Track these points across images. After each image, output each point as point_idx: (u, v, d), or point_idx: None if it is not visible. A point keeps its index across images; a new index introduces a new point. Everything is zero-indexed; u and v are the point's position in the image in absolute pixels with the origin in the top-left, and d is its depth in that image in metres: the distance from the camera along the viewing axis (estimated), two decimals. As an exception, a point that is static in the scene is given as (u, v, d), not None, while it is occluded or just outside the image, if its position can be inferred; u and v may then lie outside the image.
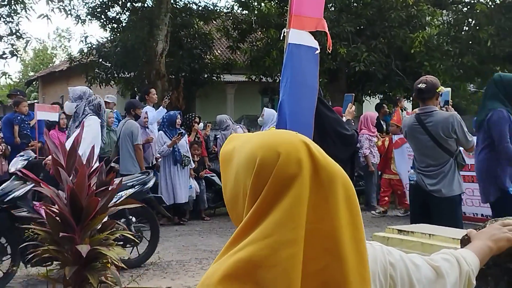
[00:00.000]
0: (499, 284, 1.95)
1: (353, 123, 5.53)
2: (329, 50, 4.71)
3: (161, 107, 10.17)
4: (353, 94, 6.31)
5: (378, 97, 17.46)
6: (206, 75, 17.86)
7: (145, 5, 16.21)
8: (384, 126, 12.64)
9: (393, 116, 11.53)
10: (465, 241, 1.99)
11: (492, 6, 15.37)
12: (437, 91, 5.14)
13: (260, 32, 16.54)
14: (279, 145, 1.15)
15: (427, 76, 5.34)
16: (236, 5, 16.21)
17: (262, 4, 14.83)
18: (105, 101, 10.51)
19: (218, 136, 11.21)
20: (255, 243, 1.08)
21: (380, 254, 1.41)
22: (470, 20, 15.54)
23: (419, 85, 5.11)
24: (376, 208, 11.08)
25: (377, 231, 4.94)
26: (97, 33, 66.17)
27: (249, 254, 1.08)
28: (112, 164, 8.36)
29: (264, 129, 9.14)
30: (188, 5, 17.31)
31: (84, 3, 16.48)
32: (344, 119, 5.34)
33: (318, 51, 4.58)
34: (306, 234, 1.10)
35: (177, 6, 16.91)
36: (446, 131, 5.04)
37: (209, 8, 17.23)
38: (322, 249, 1.11)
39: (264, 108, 10.29)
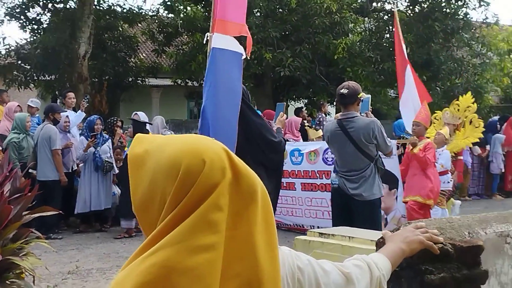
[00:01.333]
0: (412, 285, 2.00)
1: (282, 131, 5.57)
2: (248, 56, 4.70)
3: (79, 111, 9.93)
4: (285, 103, 6.35)
5: (303, 101, 17.72)
6: (130, 79, 17.57)
7: (67, 6, 15.75)
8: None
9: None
10: (380, 244, 2.04)
11: (411, 15, 15.94)
12: (359, 96, 5.25)
13: (186, 36, 16.42)
14: (203, 152, 1.14)
15: (349, 81, 5.45)
16: (162, 8, 16.02)
17: (188, 8, 14.75)
18: (28, 105, 10.18)
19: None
20: (169, 247, 1.06)
21: (289, 258, 1.42)
22: (390, 27, 16.04)
23: (341, 90, 5.20)
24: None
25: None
26: (16, 34, 63.95)
27: (162, 258, 1.05)
28: (30, 170, 8.08)
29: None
30: (113, 7, 16.97)
31: (2, 3, 15.83)
32: (275, 127, 5.36)
33: (244, 57, 4.57)
34: (225, 240, 1.09)
35: (101, 8, 16.53)
36: (367, 137, 5.16)
37: (134, 11, 16.94)
38: (240, 255, 1.12)
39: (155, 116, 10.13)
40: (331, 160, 7.86)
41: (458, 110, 9.13)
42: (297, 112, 13.85)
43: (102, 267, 6.86)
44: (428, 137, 8.02)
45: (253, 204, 1.15)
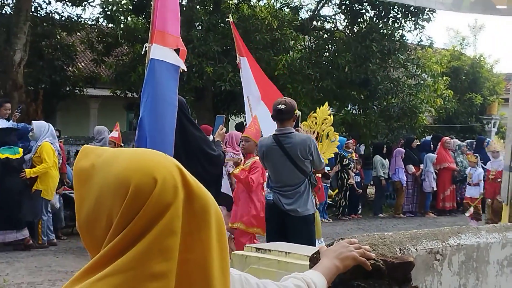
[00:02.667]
0: (344, 301, 2.01)
1: (221, 145, 5.55)
2: (185, 69, 4.66)
3: (0, 119, 9.61)
4: (224, 116, 6.36)
5: (243, 116, 17.76)
6: (68, 88, 17.15)
7: (3, 11, 15.28)
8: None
9: None
10: (314, 259, 2.04)
11: (350, 35, 16.30)
12: (295, 113, 5.31)
13: (126, 47, 16.21)
14: (155, 170, 1.06)
15: (285, 97, 5.52)
16: (102, 17, 15.76)
17: (129, 18, 14.57)
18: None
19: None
20: (120, 274, 0.99)
21: (238, 283, 1.40)
22: (329, 46, 16.35)
23: (278, 106, 5.25)
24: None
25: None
26: None
27: (112, 286, 0.98)
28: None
29: (39, 143, 8.76)
30: (50, 14, 16.55)
31: None
32: (214, 140, 5.35)
33: (183, 69, 4.54)
34: (178, 264, 1.03)
35: (39, 15, 16.10)
36: (303, 152, 5.21)
37: (73, 19, 16.56)
38: (192, 280, 1.06)
39: (33, 121, 9.54)
40: None
41: (316, 123, 8.32)
42: (238, 127, 13.86)
43: (33, 281, 6.64)
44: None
45: (206, 226, 1.08)
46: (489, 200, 11.30)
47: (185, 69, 4.63)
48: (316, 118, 8.28)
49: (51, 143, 8.88)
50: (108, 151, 1.14)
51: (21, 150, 8.69)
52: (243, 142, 6.76)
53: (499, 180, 11.38)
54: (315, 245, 5.43)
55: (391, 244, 2.07)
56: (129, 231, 1.03)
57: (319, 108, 7.60)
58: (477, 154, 13.06)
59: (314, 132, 8.12)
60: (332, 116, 8.27)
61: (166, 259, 1.02)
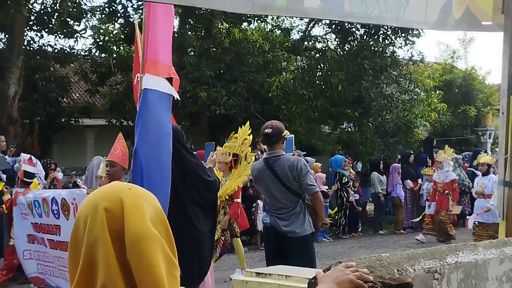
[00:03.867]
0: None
1: (214, 171, 5.57)
2: (179, 98, 4.67)
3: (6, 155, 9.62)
4: (214, 143, 6.34)
5: (239, 140, 17.79)
6: (63, 119, 17.18)
7: (-4, 46, 15.39)
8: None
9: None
10: (311, 285, 2.04)
11: (341, 53, 16.42)
12: (283, 135, 5.35)
13: (120, 75, 16.29)
14: (93, 201, 1.20)
15: (272, 121, 5.54)
16: (94, 48, 15.86)
17: (121, 48, 14.67)
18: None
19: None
20: None
21: None
22: (322, 66, 16.45)
23: (265, 130, 5.30)
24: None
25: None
26: None
27: None
28: None
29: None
30: (43, 47, 16.67)
31: None
32: (206, 166, 5.36)
33: (176, 97, 4.57)
34: None
35: (31, 48, 16.21)
36: (293, 175, 5.23)
37: (66, 51, 16.68)
38: None
39: (21, 154, 9.20)
40: (57, 213, 6.16)
41: (237, 144, 7.86)
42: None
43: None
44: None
45: (146, 256, 1.16)
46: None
47: (178, 98, 4.65)
48: (237, 139, 7.92)
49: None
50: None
51: (1, 183, 8.65)
52: (108, 168, 5.91)
53: (446, 192, 11.33)
54: (315, 265, 5.42)
55: (388, 265, 2.07)
56: (82, 261, 1.15)
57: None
58: (434, 168, 13.10)
59: (230, 154, 7.84)
60: (251, 136, 7.81)
61: None
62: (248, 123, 7.46)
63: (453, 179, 11.53)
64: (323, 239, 12.98)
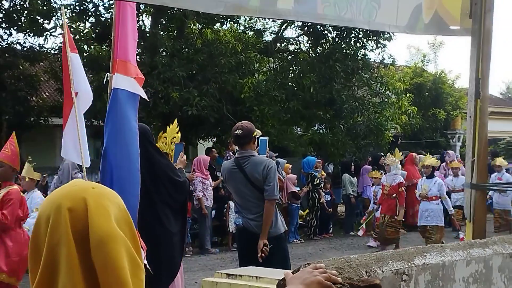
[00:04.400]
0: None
1: (184, 172, 5.54)
2: (147, 98, 4.61)
3: None
4: (183, 143, 6.26)
5: (211, 140, 17.75)
6: (32, 118, 16.91)
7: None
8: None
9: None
10: (280, 286, 2.04)
11: (314, 56, 16.50)
12: (253, 135, 5.35)
13: (90, 75, 16.09)
14: (55, 200, 1.18)
15: (242, 122, 5.54)
16: (65, 46, 15.62)
17: (92, 47, 14.51)
18: None
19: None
20: None
21: None
22: (294, 67, 16.51)
23: (236, 132, 5.31)
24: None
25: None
26: None
27: None
28: None
29: None
30: (12, 45, 16.38)
31: None
32: (176, 167, 5.33)
33: (144, 97, 4.54)
34: None
35: (0, 46, 15.93)
36: (261, 175, 5.24)
37: (35, 49, 16.43)
38: None
39: None
40: None
41: (166, 143, 7.78)
42: (208, 151, 13.89)
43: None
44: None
45: (111, 258, 1.15)
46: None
47: (147, 98, 4.62)
48: (166, 138, 7.31)
49: None
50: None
51: None
52: None
53: (394, 195, 11.35)
54: (289, 263, 5.43)
55: (357, 267, 2.08)
56: (44, 261, 1.13)
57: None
58: (381, 171, 13.25)
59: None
60: (179, 134, 7.51)
61: None
62: (176, 121, 7.18)
63: (400, 182, 11.33)
64: (295, 240, 13.02)
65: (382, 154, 15.98)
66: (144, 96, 4.44)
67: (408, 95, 17.78)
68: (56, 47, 16.12)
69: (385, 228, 11.15)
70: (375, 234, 11.94)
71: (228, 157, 13.28)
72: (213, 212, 12.57)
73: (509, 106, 29.23)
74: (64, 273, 1.07)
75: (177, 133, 7.15)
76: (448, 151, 16.78)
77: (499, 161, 13.15)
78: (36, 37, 15.80)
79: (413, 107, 17.76)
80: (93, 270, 1.10)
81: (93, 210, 1.14)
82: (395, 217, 11.08)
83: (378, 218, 11.83)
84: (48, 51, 16.84)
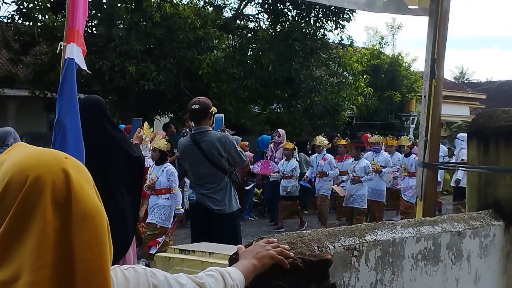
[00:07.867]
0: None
1: (140, 147, 5.47)
2: (87, 70, 4.46)
3: None
4: (141, 119, 6.22)
5: (168, 116, 17.59)
6: (-17, 89, 16.43)
7: None
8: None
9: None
10: (233, 260, 2.03)
11: (273, 34, 16.45)
12: (210, 111, 5.33)
13: (44, 45, 15.67)
14: (31, 168, 1.07)
15: (199, 97, 5.51)
16: (18, 15, 15.14)
17: (46, 16, 14.10)
18: None
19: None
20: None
21: (143, 277, 1.40)
22: (253, 45, 16.44)
23: (192, 106, 5.27)
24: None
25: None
26: None
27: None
28: None
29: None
30: (-38, 12, 15.81)
31: None
32: (132, 143, 5.25)
33: (87, 72, 4.45)
34: (58, 271, 1.03)
35: (-50, 12, 15.36)
36: (218, 150, 5.23)
37: (-13, 17, 15.87)
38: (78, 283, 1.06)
39: None
40: None
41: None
42: (165, 127, 13.72)
43: None
44: None
45: (90, 230, 1.09)
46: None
47: (89, 72, 4.53)
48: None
49: None
50: (21, 147, 1.17)
51: None
52: None
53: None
54: (241, 241, 5.45)
55: (309, 242, 2.09)
56: (4, 230, 1.04)
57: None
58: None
59: None
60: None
61: (38, 268, 1.02)
62: (146, 123, 6.93)
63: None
64: (249, 218, 13.07)
65: (338, 134, 16.14)
66: (87, 70, 4.34)
67: (365, 76, 17.97)
68: (9, 16, 15.57)
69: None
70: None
71: (185, 134, 13.17)
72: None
73: (462, 91, 29.86)
74: (30, 246, 1.02)
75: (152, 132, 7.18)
76: (278, 130, 15.34)
77: (319, 140, 12.57)
78: (-13, 4, 15.24)
79: (369, 89, 17.97)
80: (66, 245, 1.05)
81: (76, 182, 1.09)
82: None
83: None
84: (1, 19, 16.29)
